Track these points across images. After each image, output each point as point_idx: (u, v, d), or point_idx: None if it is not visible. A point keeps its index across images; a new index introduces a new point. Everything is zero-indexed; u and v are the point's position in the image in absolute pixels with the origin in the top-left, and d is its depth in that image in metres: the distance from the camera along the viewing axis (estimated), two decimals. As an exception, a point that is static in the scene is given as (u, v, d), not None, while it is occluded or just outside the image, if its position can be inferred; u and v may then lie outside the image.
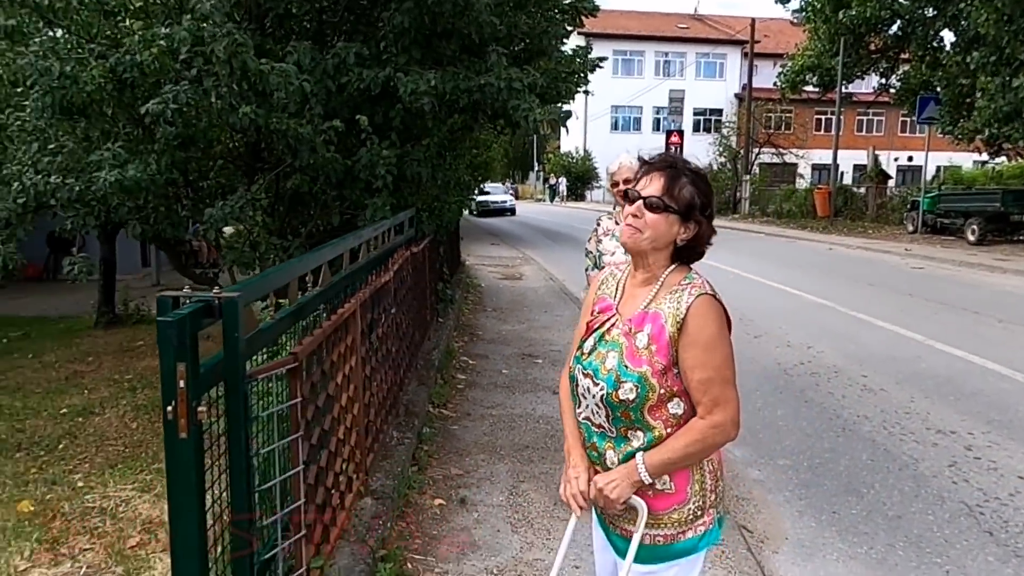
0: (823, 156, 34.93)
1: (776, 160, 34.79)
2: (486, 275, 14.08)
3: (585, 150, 43.61)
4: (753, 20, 30.22)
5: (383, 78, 4.98)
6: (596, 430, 1.95)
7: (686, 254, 1.92)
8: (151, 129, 5.08)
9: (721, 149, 32.37)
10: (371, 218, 5.18)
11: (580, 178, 44.00)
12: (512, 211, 33.46)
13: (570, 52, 8.11)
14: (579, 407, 1.99)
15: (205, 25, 4.25)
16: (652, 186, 1.86)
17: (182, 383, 2.04)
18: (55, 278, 13.70)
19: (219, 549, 2.33)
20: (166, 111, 4.50)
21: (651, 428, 1.85)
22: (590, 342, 1.96)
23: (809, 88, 25.99)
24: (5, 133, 5.42)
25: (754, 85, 30.15)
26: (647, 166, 1.91)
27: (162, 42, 4.51)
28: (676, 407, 1.85)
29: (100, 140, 5.13)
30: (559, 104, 8.40)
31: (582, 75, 8.12)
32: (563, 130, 44.35)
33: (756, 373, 6.87)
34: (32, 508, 4.19)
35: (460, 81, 5.12)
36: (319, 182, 5.53)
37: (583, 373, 1.94)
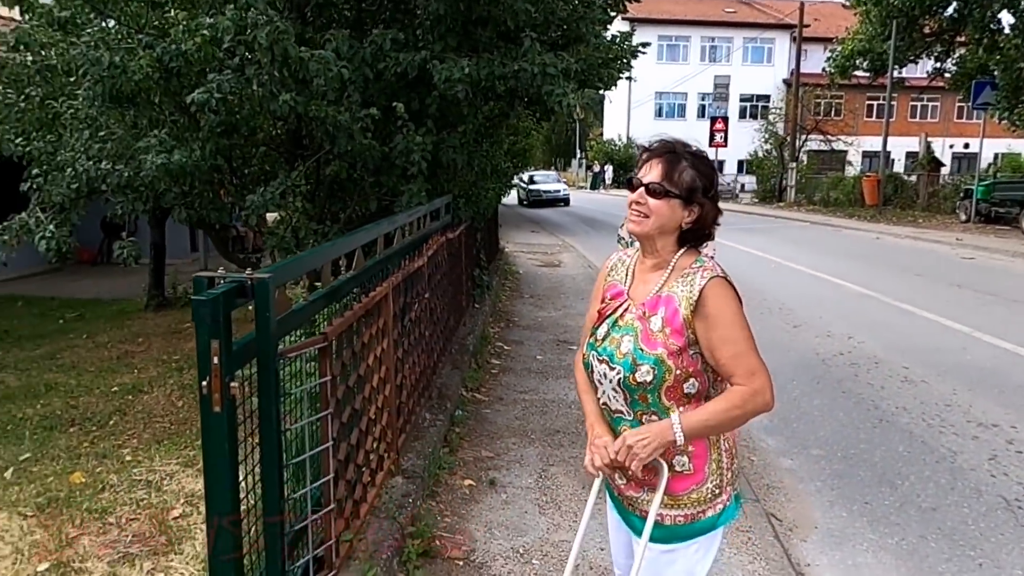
0: (874, 143, 34.05)
1: (824, 147, 34.01)
2: (524, 262, 14.12)
3: (628, 137, 43.23)
4: (802, 3, 29.53)
5: (419, 62, 5.04)
6: (613, 415, 1.98)
7: (692, 237, 1.94)
8: (196, 117, 5.24)
9: (767, 136, 31.75)
10: (407, 204, 5.26)
11: (623, 165, 43.66)
12: (566, 201, 30.95)
13: (612, 38, 8.06)
14: (596, 394, 2.02)
15: (248, 13, 4.36)
16: (652, 172, 1.89)
17: (216, 359, 2.14)
18: (108, 262, 14.18)
19: (253, 519, 2.43)
20: (210, 100, 4.63)
21: (667, 409, 1.88)
22: (603, 328, 1.99)
23: (859, 73, 25.31)
24: (60, 121, 5.63)
25: (803, 70, 29.50)
26: (648, 153, 1.94)
27: (206, 31, 4.64)
28: (691, 387, 1.88)
29: (148, 127, 5.30)
30: (598, 90, 8.38)
31: (624, 61, 8.06)
32: (605, 117, 43.76)
33: (794, 363, 6.80)
34: (83, 480, 4.39)
35: (495, 68, 5.15)
36: (357, 168, 5.63)
37: (598, 359, 1.97)
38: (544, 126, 13.88)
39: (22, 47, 5.07)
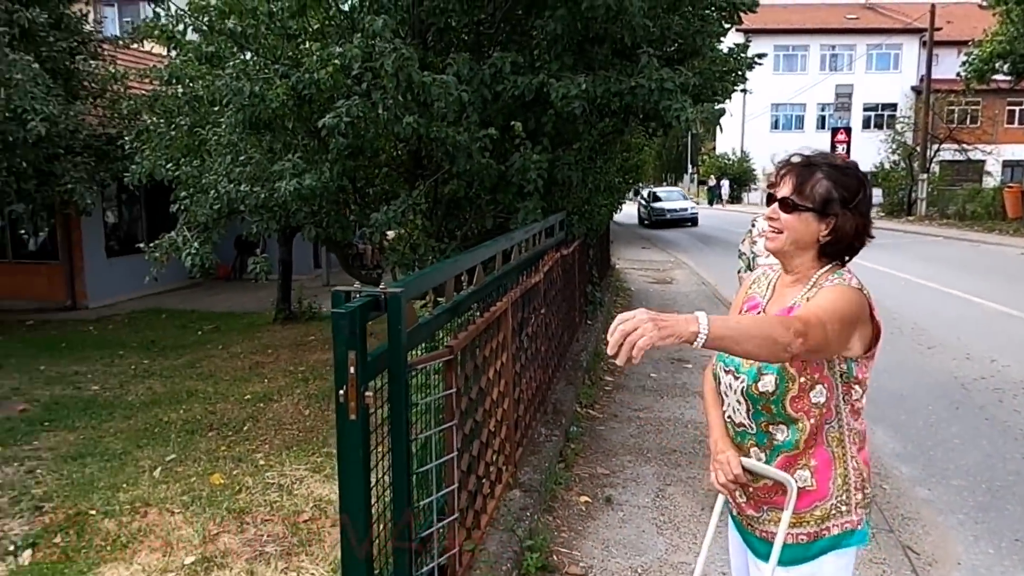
0: (1016, 151, 31.57)
1: (959, 157, 31.79)
2: (636, 279, 13.98)
3: (742, 151, 42.04)
4: (933, 5, 27.86)
5: (536, 84, 5.13)
6: (737, 428, 1.94)
7: (833, 251, 1.86)
8: (325, 141, 5.53)
9: (895, 146, 30.03)
10: (522, 221, 5.34)
11: (737, 180, 42.46)
12: (693, 221, 27.77)
13: (727, 50, 7.91)
14: (722, 405, 1.99)
15: (375, 42, 4.58)
16: (785, 186, 1.84)
17: (352, 369, 2.25)
18: (241, 278, 15.15)
19: (382, 524, 2.53)
20: (340, 124, 4.89)
21: (794, 420, 1.82)
22: None
23: (999, 77, 23.55)
24: (205, 148, 6.10)
25: (934, 76, 27.77)
26: (783, 166, 1.89)
27: (337, 60, 4.92)
28: (818, 395, 1.80)
29: (282, 151, 5.66)
30: (714, 103, 8.22)
31: (739, 73, 7.89)
32: (719, 130, 42.78)
33: (929, 386, 6.38)
34: (222, 481, 4.70)
35: (611, 84, 5.17)
36: (474, 187, 5.77)
37: (724, 370, 1.94)
38: (655, 141, 13.73)
39: (174, 80, 5.54)
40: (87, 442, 5.66)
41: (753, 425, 1.89)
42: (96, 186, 9.75)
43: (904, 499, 4.38)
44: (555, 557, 3.47)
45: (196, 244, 5.55)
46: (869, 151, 31.53)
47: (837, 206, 1.81)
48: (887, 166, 29.87)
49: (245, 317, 11.32)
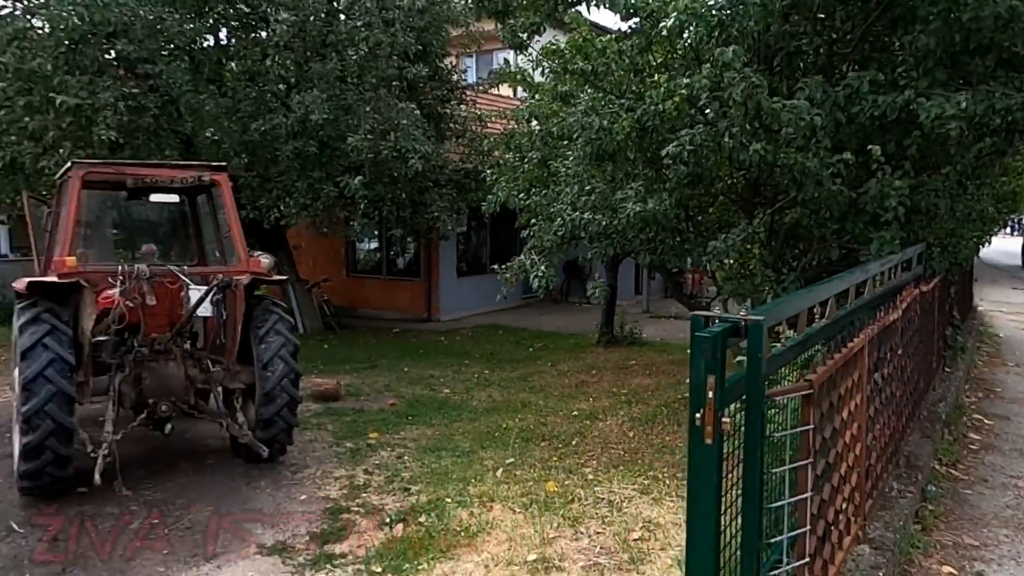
0: None
1: None
2: (1004, 323, 11.95)
3: None
4: None
5: (900, 103, 4.69)
6: None
7: None
8: (664, 170, 5.66)
9: None
10: (876, 253, 4.90)
11: None
12: None
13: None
14: None
15: (726, 73, 4.59)
16: None
17: (711, 393, 2.26)
18: (568, 301, 16.07)
19: (727, 556, 2.49)
20: (682, 152, 4.97)
21: None
22: None
23: None
24: (553, 179, 6.63)
25: None
26: None
27: (684, 91, 5.02)
28: None
29: (623, 181, 5.92)
30: None
31: None
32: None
33: None
34: (556, 489, 5.01)
35: (996, 100, 4.52)
36: (819, 215, 5.45)
37: None
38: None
39: (533, 119, 6.12)
40: (441, 438, 6.43)
41: None
42: (455, 214, 11.11)
43: None
44: (914, 629, 3.10)
45: (543, 267, 6.02)
46: None
47: None
48: None
49: (571, 338, 11.94)
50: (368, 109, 9.74)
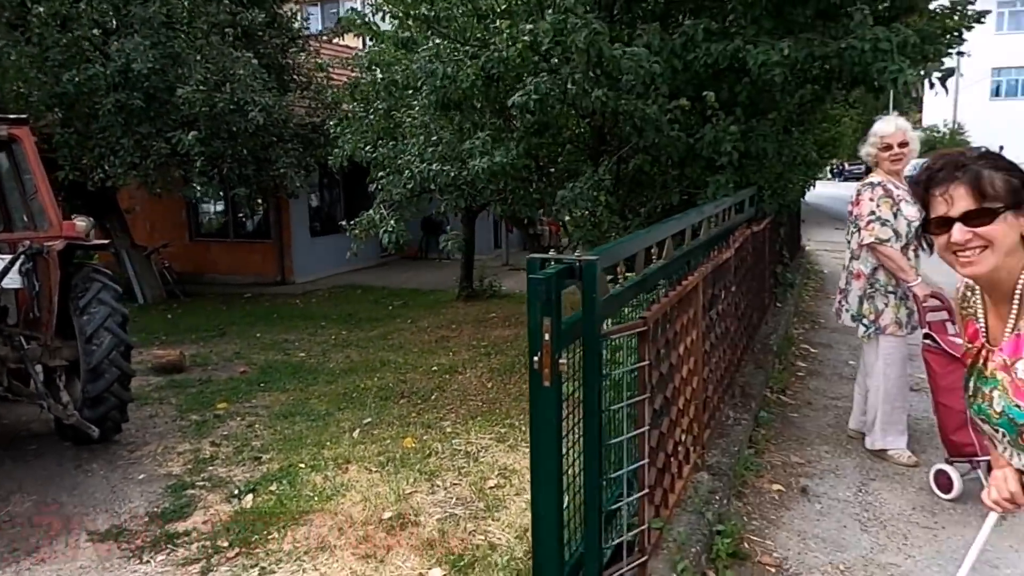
0: None
1: None
2: (828, 261, 13.03)
3: (955, 123, 37.78)
4: None
5: (731, 51, 4.86)
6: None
7: None
8: (511, 119, 5.62)
9: None
10: (712, 196, 5.12)
11: (947, 156, 38.20)
12: None
13: (945, 6, 7.08)
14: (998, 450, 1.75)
15: (567, 17, 4.55)
16: (959, 201, 1.53)
17: (547, 336, 2.25)
18: (427, 257, 15.93)
19: (571, 494, 2.53)
20: (528, 101, 4.93)
21: None
22: (971, 382, 1.71)
23: None
24: (400, 130, 6.42)
25: None
26: (932, 184, 1.58)
27: (526, 38, 4.95)
28: None
29: (471, 131, 5.81)
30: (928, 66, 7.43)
31: (955, 34, 7.02)
32: (924, 101, 38.65)
33: None
34: (414, 444, 4.96)
35: (815, 48, 4.79)
36: (660, 162, 5.61)
37: (979, 418, 1.71)
38: (853, 113, 12.62)
39: (374, 66, 5.87)
40: (296, 403, 6.19)
41: None
42: (303, 171, 10.60)
43: None
44: (746, 544, 3.31)
45: (392, 222, 5.86)
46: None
47: (1022, 191, 1.53)
48: None
49: (431, 294, 11.85)
50: (199, 58, 9.03)
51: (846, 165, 42.32)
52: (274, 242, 13.59)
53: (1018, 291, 1.57)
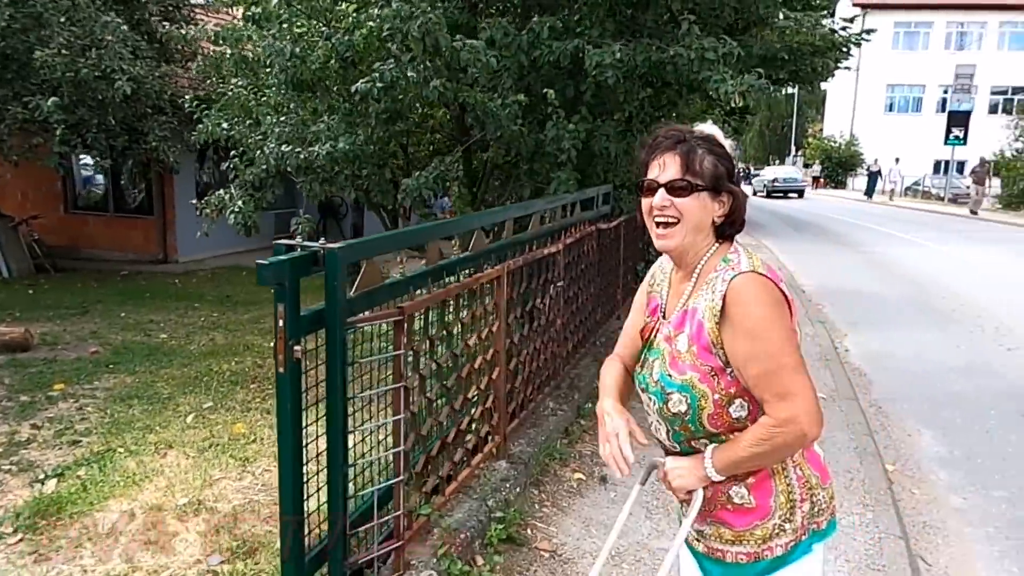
0: None
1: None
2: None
3: (852, 134, 39.73)
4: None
5: (571, 50, 4.97)
6: (670, 448, 1.80)
7: (728, 232, 1.69)
8: (365, 104, 5.56)
9: (1019, 132, 27.58)
10: (555, 191, 5.23)
11: (841, 164, 40.20)
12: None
13: (834, 25, 7.49)
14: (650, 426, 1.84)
15: (407, 6, 4.53)
16: (669, 169, 1.63)
17: (281, 322, 2.27)
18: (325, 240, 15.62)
19: (319, 481, 2.55)
20: (372, 89, 4.88)
21: (716, 436, 1.66)
22: (643, 355, 1.79)
23: None
24: (259, 108, 6.26)
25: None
26: (654, 149, 1.67)
27: (372, 23, 4.92)
28: (739, 410, 1.63)
29: (327, 113, 5.72)
30: (809, 80, 7.81)
31: (844, 50, 7.40)
32: (825, 112, 40.76)
33: (998, 390, 5.87)
34: (243, 430, 4.88)
35: (651, 53, 4.94)
36: (512, 155, 5.69)
37: (640, 388, 1.79)
38: (750, 120, 13.08)
39: (222, 41, 5.69)
40: (141, 385, 5.99)
41: (676, 445, 1.74)
42: (182, 145, 10.19)
43: (932, 506, 4.07)
44: (529, 531, 3.42)
45: (240, 203, 5.72)
46: (990, 138, 29.18)
47: (727, 181, 1.65)
48: (1009, 154, 27.53)
49: (319, 278, 11.63)
50: (63, 20, 8.56)
51: (752, 168, 43.91)
52: (156, 218, 13.06)
53: (697, 270, 1.67)
